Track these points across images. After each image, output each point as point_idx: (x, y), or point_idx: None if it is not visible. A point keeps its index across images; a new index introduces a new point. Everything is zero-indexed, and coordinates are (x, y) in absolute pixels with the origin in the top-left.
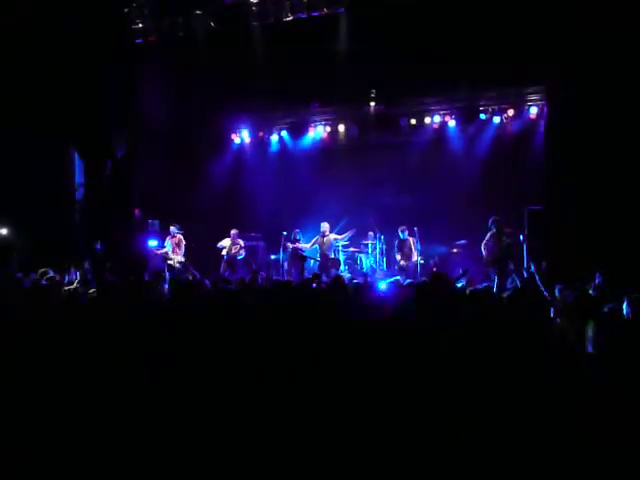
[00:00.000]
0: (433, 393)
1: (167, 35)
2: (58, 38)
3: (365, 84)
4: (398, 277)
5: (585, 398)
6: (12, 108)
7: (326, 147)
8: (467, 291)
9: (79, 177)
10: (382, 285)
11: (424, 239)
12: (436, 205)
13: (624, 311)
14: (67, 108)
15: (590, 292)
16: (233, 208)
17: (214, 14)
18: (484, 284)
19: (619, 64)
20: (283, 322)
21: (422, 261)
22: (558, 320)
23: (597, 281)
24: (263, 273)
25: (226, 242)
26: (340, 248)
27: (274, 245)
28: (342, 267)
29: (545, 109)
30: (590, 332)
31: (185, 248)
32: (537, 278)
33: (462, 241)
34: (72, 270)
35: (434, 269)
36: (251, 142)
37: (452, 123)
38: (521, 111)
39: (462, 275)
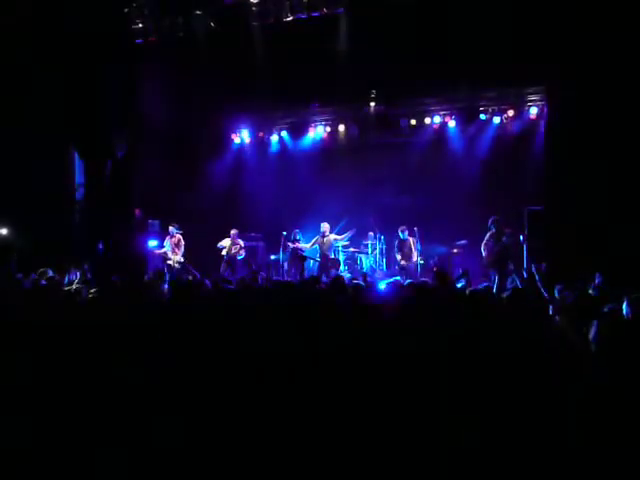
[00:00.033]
0: (433, 393)
1: (167, 35)
2: (58, 38)
3: (365, 84)
4: (398, 277)
5: (585, 398)
6: (12, 108)
7: (326, 147)
8: (467, 291)
9: (79, 177)
10: (382, 285)
11: (424, 239)
12: (436, 205)
13: (624, 311)
14: (67, 108)
15: (590, 292)
16: (233, 208)
17: (214, 14)
18: (484, 284)
19: (619, 64)
20: (283, 322)
21: (422, 261)
22: (558, 320)
23: (597, 281)
24: (263, 273)
25: (226, 242)
26: (340, 248)
27: (274, 245)
28: (342, 267)
29: (545, 109)
30: (592, 332)
31: (184, 248)
32: (537, 278)
33: (462, 241)
34: (72, 270)
35: (434, 269)
36: (251, 142)
37: (452, 123)
38: (521, 111)
39: (461, 276)
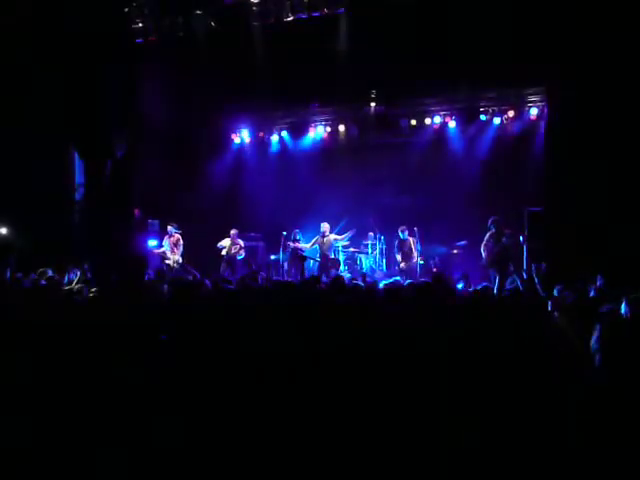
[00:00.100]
0: (433, 393)
1: (167, 35)
2: (58, 38)
3: (365, 84)
4: (398, 277)
5: (585, 398)
6: (12, 108)
7: (326, 147)
8: (467, 292)
9: (79, 177)
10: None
11: (424, 239)
12: (436, 206)
13: (622, 311)
14: (67, 108)
15: (591, 293)
16: (233, 208)
17: (214, 14)
18: (483, 284)
19: (619, 64)
20: (283, 322)
21: (422, 261)
22: (557, 317)
23: (598, 283)
24: (263, 273)
25: (226, 242)
26: (340, 248)
27: (274, 245)
28: (342, 267)
29: (545, 110)
30: (595, 334)
31: (183, 248)
32: (535, 279)
33: (462, 242)
34: (72, 270)
35: (434, 269)
36: (251, 142)
37: (452, 124)
38: (521, 112)
39: (461, 278)
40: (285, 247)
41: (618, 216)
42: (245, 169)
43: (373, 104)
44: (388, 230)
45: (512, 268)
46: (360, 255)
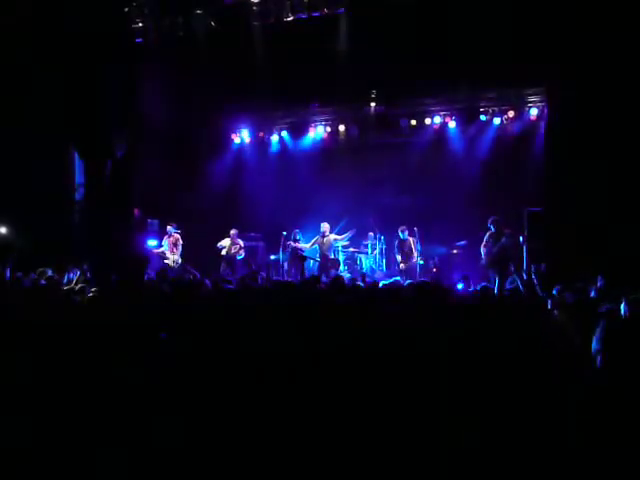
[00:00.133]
0: (433, 393)
1: (167, 35)
2: (58, 38)
3: (365, 84)
4: (398, 277)
5: (585, 398)
6: (12, 108)
7: (326, 147)
8: (467, 292)
9: (79, 177)
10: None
11: (424, 239)
12: (436, 206)
13: (622, 311)
14: (67, 108)
15: (592, 294)
16: (233, 208)
17: (214, 14)
18: (482, 284)
19: (619, 64)
20: (283, 322)
21: (422, 261)
22: (557, 320)
23: (599, 283)
24: (263, 273)
25: (226, 242)
26: (340, 248)
27: (274, 245)
28: (342, 267)
29: (545, 110)
30: (597, 333)
31: (182, 248)
32: (534, 279)
33: (462, 242)
34: (71, 269)
35: (434, 269)
36: (251, 142)
37: (452, 124)
38: (521, 112)
39: (461, 279)
40: (285, 247)
41: (618, 216)
42: (245, 169)
43: (373, 104)
44: (388, 230)
45: (512, 268)
46: (360, 255)
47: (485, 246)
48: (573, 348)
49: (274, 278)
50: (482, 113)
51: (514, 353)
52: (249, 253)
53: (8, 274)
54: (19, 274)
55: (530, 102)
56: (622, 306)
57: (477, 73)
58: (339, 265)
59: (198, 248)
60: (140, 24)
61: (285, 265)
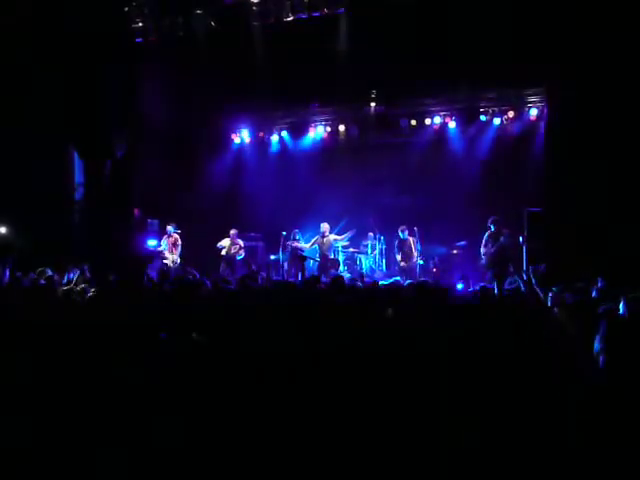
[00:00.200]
0: (433, 393)
1: (167, 35)
2: (58, 38)
3: (365, 84)
4: (398, 278)
5: (585, 398)
6: (12, 108)
7: (326, 147)
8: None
9: (79, 177)
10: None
11: (424, 239)
12: (436, 206)
13: (621, 311)
14: (67, 108)
15: (594, 294)
16: (233, 208)
17: (214, 14)
18: (481, 284)
19: (619, 64)
20: (283, 322)
21: (422, 261)
22: (557, 320)
23: (599, 284)
24: (263, 273)
25: (225, 242)
26: (340, 248)
27: (274, 245)
28: (341, 267)
29: (545, 110)
30: (599, 333)
31: (181, 248)
32: (533, 280)
33: (462, 242)
34: (71, 269)
35: (434, 269)
36: (251, 142)
37: (452, 124)
38: (521, 113)
39: (461, 279)
40: (285, 247)
41: (618, 216)
42: (245, 169)
43: (373, 104)
44: (388, 230)
45: (512, 269)
46: (360, 255)
47: (484, 246)
48: (573, 348)
49: (274, 278)
50: (482, 113)
51: (514, 353)
52: (249, 253)
53: (8, 274)
54: (19, 274)
55: (530, 102)
56: (621, 306)
57: (477, 73)
58: (339, 265)
59: (198, 248)
60: (140, 24)
61: (285, 265)
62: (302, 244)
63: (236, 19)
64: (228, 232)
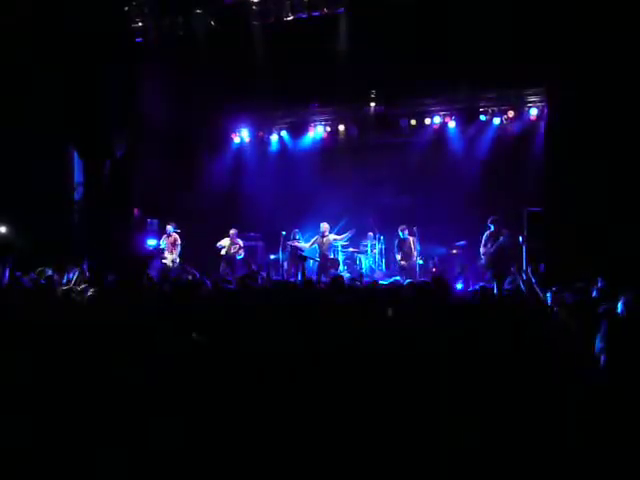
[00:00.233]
0: (433, 393)
1: (167, 34)
2: (58, 38)
3: (365, 84)
4: (397, 277)
5: (585, 398)
6: (12, 108)
7: (326, 147)
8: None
9: (79, 177)
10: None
11: (424, 239)
12: (436, 206)
13: (619, 310)
14: (67, 108)
15: (594, 294)
16: (233, 208)
17: (214, 13)
18: (480, 284)
19: (619, 64)
20: (283, 322)
21: (421, 261)
22: (558, 320)
23: (599, 285)
24: (263, 273)
25: (225, 242)
26: (339, 248)
27: (273, 245)
28: (341, 267)
29: (545, 110)
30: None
31: (180, 248)
32: (533, 280)
33: (461, 242)
34: (71, 269)
35: (434, 269)
36: (251, 142)
37: (452, 124)
38: (521, 112)
39: (460, 272)
40: (284, 247)
41: (618, 216)
42: (245, 169)
43: (373, 104)
44: (388, 230)
45: (513, 268)
46: (359, 255)
47: (484, 245)
48: (574, 348)
49: (274, 278)
50: (482, 113)
51: (514, 353)
52: (249, 253)
53: (8, 274)
54: (19, 274)
55: (530, 102)
56: (619, 305)
57: (477, 73)
58: (338, 265)
59: (198, 248)
60: (140, 24)
61: (285, 265)
62: (302, 244)
63: (236, 19)
64: (228, 232)
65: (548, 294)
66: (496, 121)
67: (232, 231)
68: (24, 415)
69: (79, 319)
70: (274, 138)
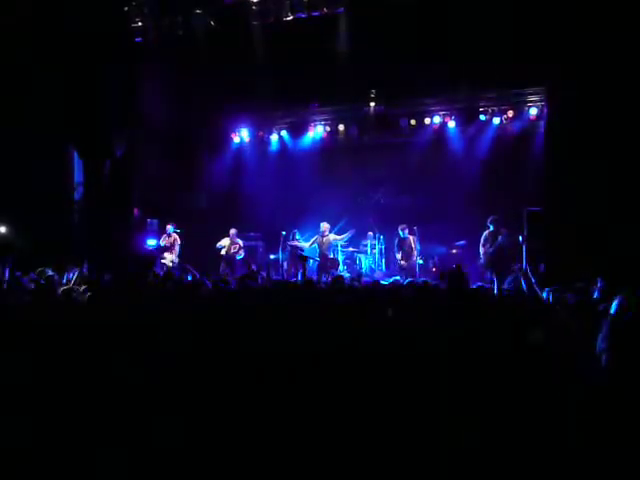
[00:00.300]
0: (433, 393)
1: (167, 34)
2: (58, 38)
3: (365, 84)
4: (397, 277)
5: (585, 398)
6: (12, 108)
7: (326, 147)
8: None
9: (78, 176)
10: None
11: (424, 239)
12: (436, 205)
13: (612, 310)
14: (67, 108)
15: (595, 295)
16: (233, 208)
17: (214, 13)
18: (478, 284)
19: (619, 64)
20: (283, 322)
21: (421, 261)
22: (557, 321)
23: (599, 285)
24: (263, 273)
25: (225, 242)
26: (339, 248)
27: (273, 245)
28: (341, 267)
29: (545, 110)
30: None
31: (180, 248)
32: (532, 280)
33: (461, 242)
34: (71, 269)
35: (434, 269)
36: (251, 142)
37: (452, 124)
38: (521, 112)
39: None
40: (284, 247)
41: (618, 216)
42: (245, 169)
43: (373, 104)
44: (388, 230)
45: (516, 267)
46: (359, 255)
47: (483, 245)
48: (574, 348)
49: (274, 278)
50: (482, 113)
51: (514, 353)
52: (249, 253)
53: (8, 274)
54: (18, 274)
55: (530, 102)
56: (613, 305)
57: (477, 73)
58: (338, 265)
59: (198, 248)
60: (140, 23)
61: (285, 265)
62: (302, 243)
63: (236, 19)
64: (228, 232)
65: (544, 293)
66: (496, 121)
67: (232, 231)
68: (24, 415)
69: (79, 319)
70: (274, 138)
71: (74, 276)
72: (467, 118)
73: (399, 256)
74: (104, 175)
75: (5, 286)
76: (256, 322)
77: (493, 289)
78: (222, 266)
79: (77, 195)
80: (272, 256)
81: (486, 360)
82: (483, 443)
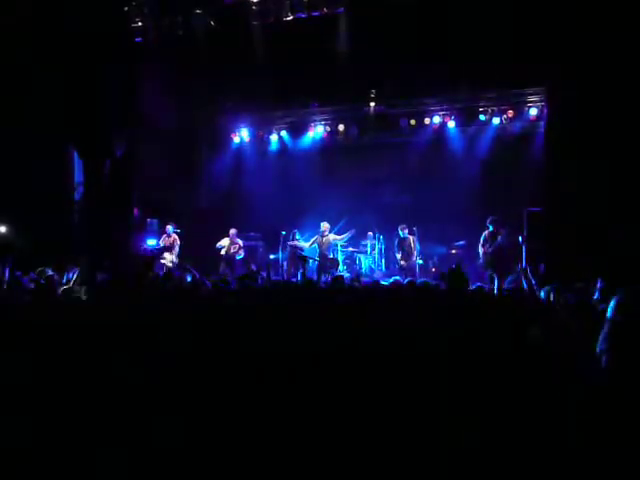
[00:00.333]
0: (433, 393)
1: (167, 34)
2: (58, 38)
3: (365, 84)
4: (397, 277)
5: (585, 398)
6: (12, 108)
7: (326, 147)
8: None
9: (78, 176)
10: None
11: (423, 239)
12: (436, 205)
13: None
14: (67, 108)
15: (595, 295)
16: (232, 208)
17: (214, 13)
18: (477, 284)
19: (619, 64)
20: (283, 322)
21: (421, 261)
22: (557, 321)
23: (599, 285)
24: (263, 273)
25: (225, 242)
26: (339, 248)
27: (273, 245)
28: (341, 267)
29: (545, 110)
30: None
31: (179, 248)
32: (532, 280)
33: (461, 242)
34: (71, 269)
35: (433, 269)
36: (251, 142)
37: (452, 124)
38: (521, 112)
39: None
40: (284, 247)
41: (618, 216)
42: (244, 169)
43: (373, 104)
44: (388, 230)
45: (518, 267)
46: (359, 255)
47: (482, 245)
48: (574, 348)
49: (274, 278)
50: (482, 113)
51: (514, 353)
52: (249, 253)
53: (8, 274)
54: (18, 274)
55: (530, 102)
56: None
57: (477, 73)
58: (338, 265)
59: (197, 248)
60: (140, 23)
61: (285, 265)
62: (302, 243)
63: (236, 19)
64: (228, 232)
65: (542, 292)
66: (496, 121)
67: (232, 231)
68: (24, 415)
69: (79, 319)
70: (274, 138)
71: (74, 276)
72: (467, 118)
73: (399, 256)
74: (104, 175)
75: (5, 286)
76: (256, 322)
77: (493, 289)
78: (222, 266)
79: (77, 195)
80: (272, 256)
81: (486, 360)
82: (483, 443)
